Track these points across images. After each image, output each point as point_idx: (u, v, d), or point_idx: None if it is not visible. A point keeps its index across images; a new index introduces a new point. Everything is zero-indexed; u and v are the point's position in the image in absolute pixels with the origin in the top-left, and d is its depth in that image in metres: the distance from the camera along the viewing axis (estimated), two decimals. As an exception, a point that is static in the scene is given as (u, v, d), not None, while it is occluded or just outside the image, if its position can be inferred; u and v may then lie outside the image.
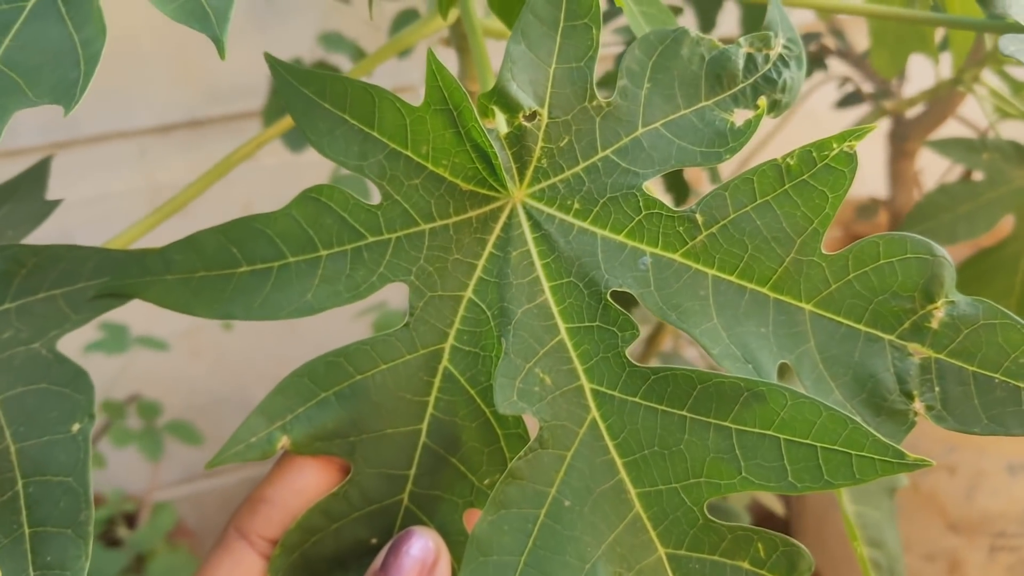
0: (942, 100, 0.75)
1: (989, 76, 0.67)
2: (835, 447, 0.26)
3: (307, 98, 0.30)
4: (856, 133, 0.28)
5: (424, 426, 0.30)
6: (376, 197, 0.30)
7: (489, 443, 0.29)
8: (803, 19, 0.91)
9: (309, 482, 0.30)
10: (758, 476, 0.26)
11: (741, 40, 0.31)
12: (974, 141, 0.59)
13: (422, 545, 0.29)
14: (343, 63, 0.89)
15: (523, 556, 0.26)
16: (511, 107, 0.30)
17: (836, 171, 0.28)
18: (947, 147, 0.60)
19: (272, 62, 0.31)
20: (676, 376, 0.27)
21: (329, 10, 0.94)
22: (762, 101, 0.30)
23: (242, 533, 0.31)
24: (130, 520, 0.95)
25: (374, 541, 0.30)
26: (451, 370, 0.29)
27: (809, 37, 0.85)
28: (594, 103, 0.30)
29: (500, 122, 0.30)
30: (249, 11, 0.88)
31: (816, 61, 0.85)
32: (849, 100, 0.83)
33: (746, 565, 0.27)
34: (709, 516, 0.27)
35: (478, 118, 0.29)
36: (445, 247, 0.30)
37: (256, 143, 0.44)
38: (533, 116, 0.30)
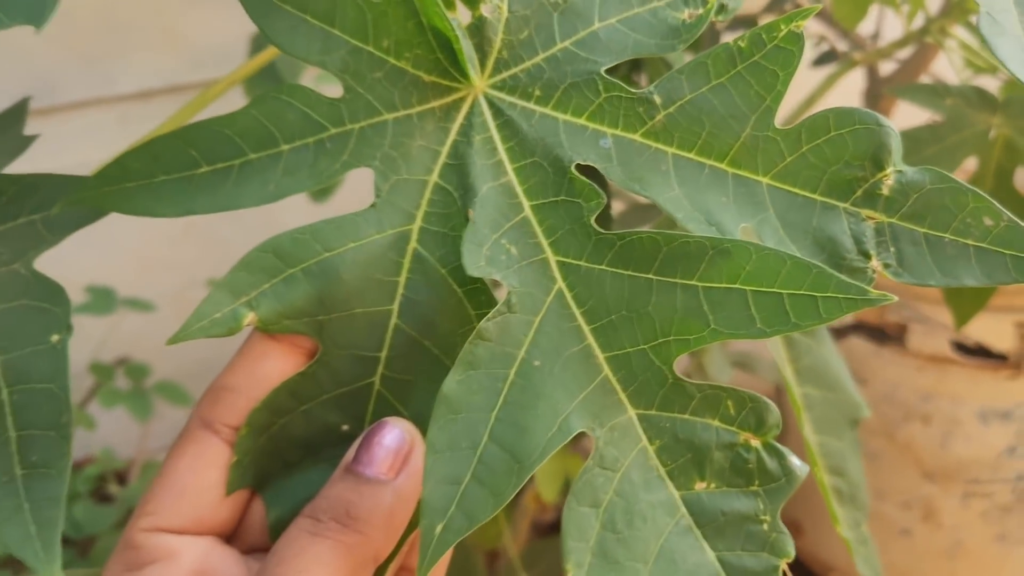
0: (915, 56, 0.77)
1: (960, 31, 0.69)
2: (801, 292, 0.27)
3: (267, 2, 0.31)
4: (801, 14, 0.30)
5: (395, 307, 0.30)
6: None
7: (463, 324, 0.29)
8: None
9: (274, 368, 0.30)
10: (727, 326, 0.27)
11: None
12: (938, 87, 0.61)
13: (396, 435, 0.28)
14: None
15: (494, 412, 0.27)
16: (472, -1, 0.31)
17: (785, 50, 0.29)
18: (911, 93, 0.62)
19: None
20: (642, 240, 0.28)
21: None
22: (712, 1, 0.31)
23: (206, 423, 0.30)
24: (121, 478, 0.96)
25: (345, 428, 0.30)
26: (420, 251, 0.30)
27: (784, -5, 0.86)
28: (552, 0, 0.31)
29: (462, 13, 0.31)
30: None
31: (792, 19, 0.85)
32: (825, 58, 0.84)
33: (716, 423, 0.27)
34: (678, 376, 0.28)
35: (441, 5, 0.29)
36: (409, 134, 0.30)
37: (220, 87, 0.44)
38: (493, 8, 0.31)
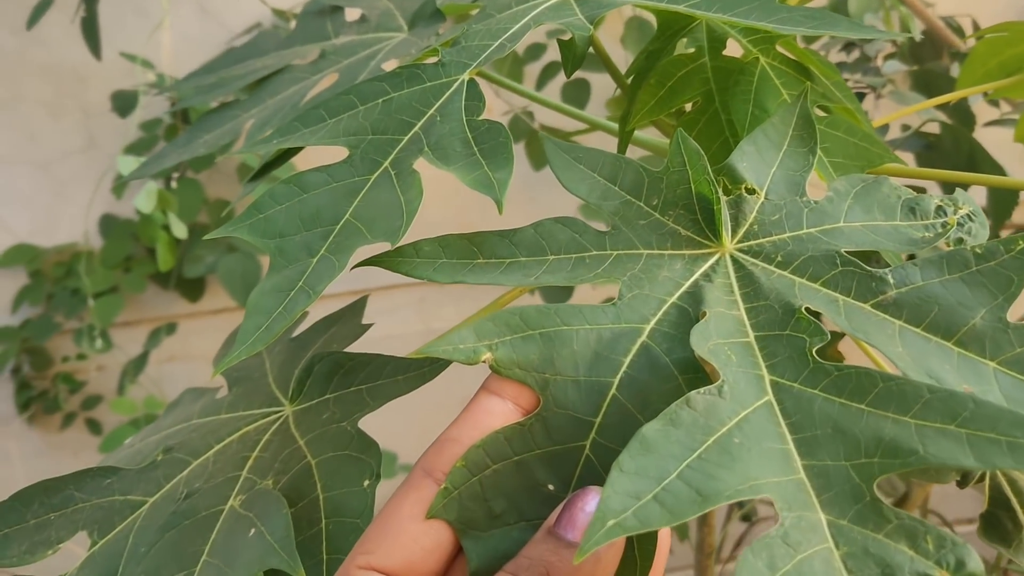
0: None
1: None
2: (1020, 440, 0.26)
3: (567, 159, 0.38)
4: (1039, 234, 0.32)
5: (616, 380, 0.32)
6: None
7: None
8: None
9: (496, 423, 0.32)
10: (937, 457, 0.27)
11: (935, 196, 0.37)
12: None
13: (597, 502, 0.28)
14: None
15: (686, 461, 0.27)
16: (736, 180, 0.37)
17: (1022, 261, 0.32)
18: None
19: (543, 137, 0.40)
20: (859, 374, 0.29)
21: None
22: (952, 219, 0.35)
23: (428, 471, 0.32)
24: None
25: (551, 488, 0.31)
26: (649, 343, 0.33)
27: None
28: (804, 199, 0.37)
29: (722, 190, 0.37)
30: (522, 183, 1.02)
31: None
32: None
33: (911, 552, 0.26)
34: (877, 496, 0.27)
35: (712, 177, 0.35)
36: (658, 266, 0.35)
37: (515, 293, 0.52)
38: (752, 192, 0.37)
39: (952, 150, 0.90)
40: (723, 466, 0.27)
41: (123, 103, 1.27)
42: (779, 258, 0.35)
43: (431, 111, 0.41)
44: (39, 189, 1.40)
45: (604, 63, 0.51)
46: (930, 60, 1.17)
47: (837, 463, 0.28)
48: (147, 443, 0.49)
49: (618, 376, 0.32)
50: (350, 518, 0.38)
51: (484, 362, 0.32)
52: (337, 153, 0.40)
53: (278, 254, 0.38)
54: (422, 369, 0.42)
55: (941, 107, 0.98)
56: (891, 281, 0.33)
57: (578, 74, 1.35)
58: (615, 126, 0.56)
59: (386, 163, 0.40)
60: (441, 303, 1.19)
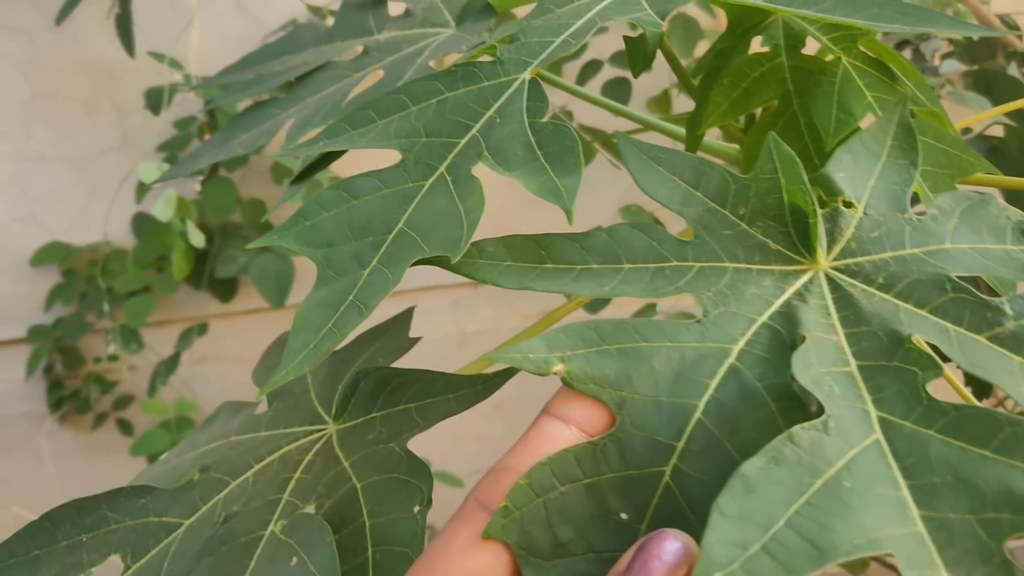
0: None
1: None
2: None
3: (644, 160, 0.35)
4: None
5: (701, 403, 0.29)
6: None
7: (770, 436, 0.27)
8: None
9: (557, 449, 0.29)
10: None
11: None
12: None
13: (675, 549, 0.26)
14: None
15: (794, 506, 0.24)
16: (832, 191, 0.33)
17: None
18: None
19: (618, 136, 0.37)
20: (981, 416, 0.26)
21: (631, 186, 1.07)
22: None
23: (482, 503, 0.29)
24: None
25: (624, 516, 0.28)
26: (738, 365, 0.30)
27: None
28: (906, 216, 0.33)
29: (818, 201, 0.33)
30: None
31: None
32: None
33: None
34: (1008, 557, 0.24)
35: (808, 186, 0.32)
36: (745, 282, 0.32)
37: (570, 306, 0.49)
38: (849, 205, 0.33)
39: (1018, 155, 0.86)
40: (836, 515, 0.24)
41: (158, 101, 1.26)
42: (880, 280, 0.31)
43: (490, 112, 0.38)
44: (74, 187, 1.39)
45: (669, 62, 0.48)
46: (985, 59, 1.13)
47: (961, 517, 0.25)
48: (183, 460, 0.47)
49: (703, 399, 0.29)
50: (399, 547, 0.35)
51: (555, 374, 0.29)
52: (383, 159, 0.37)
53: (326, 265, 0.36)
54: (475, 387, 0.39)
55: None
56: (1009, 312, 0.29)
57: (618, 73, 1.32)
58: (674, 128, 0.52)
59: (442, 168, 0.37)
60: (476, 306, 1.17)
